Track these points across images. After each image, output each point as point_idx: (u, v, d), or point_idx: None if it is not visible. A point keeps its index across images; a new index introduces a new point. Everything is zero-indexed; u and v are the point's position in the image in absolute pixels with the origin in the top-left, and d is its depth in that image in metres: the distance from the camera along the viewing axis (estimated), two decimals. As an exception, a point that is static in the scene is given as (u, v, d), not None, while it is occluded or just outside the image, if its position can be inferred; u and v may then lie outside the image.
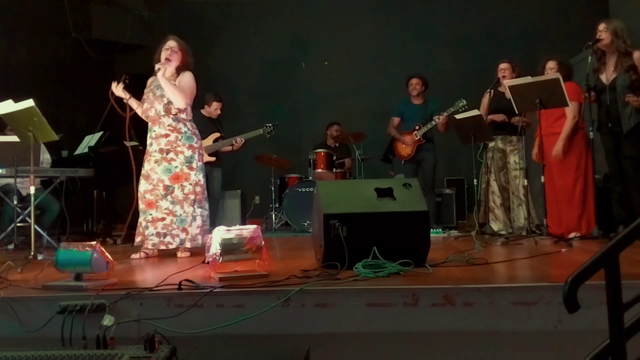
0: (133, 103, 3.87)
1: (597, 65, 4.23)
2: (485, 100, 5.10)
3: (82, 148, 5.76)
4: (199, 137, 3.88)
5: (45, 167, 5.05)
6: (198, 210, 3.76)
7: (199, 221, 3.76)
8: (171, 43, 3.82)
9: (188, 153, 3.73)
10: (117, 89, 3.82)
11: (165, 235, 3.66)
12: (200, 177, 3.80)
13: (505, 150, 4.99)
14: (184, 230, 3.68)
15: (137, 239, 3.73)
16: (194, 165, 3.75)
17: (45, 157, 5.21)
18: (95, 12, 7.67)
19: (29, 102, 3.70)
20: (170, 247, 3.68)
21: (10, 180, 4.44)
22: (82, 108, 7.09)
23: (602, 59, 4.20)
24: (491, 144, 5.06)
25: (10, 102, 3.77)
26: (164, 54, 3.77)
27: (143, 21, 7.82)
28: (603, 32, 4.10)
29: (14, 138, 4.06)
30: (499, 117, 4.95)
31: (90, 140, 5.69)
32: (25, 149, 3.82)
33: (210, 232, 2.77)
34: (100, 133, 5.62)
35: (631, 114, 4.03)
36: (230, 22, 8.38)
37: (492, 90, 5.07)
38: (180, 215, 3.68)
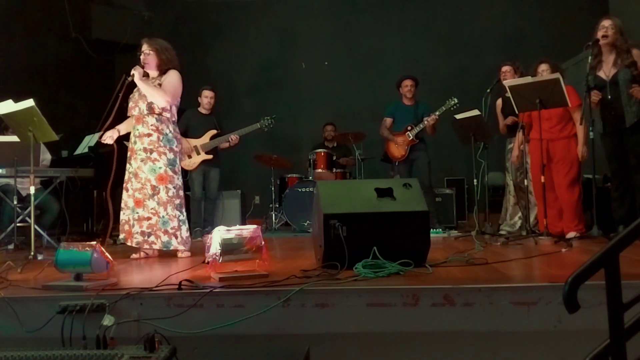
0: (129, 128, 3.93)
1: (594, 62, 4.22)
2: (499, 106, 5.14)
3: (82, 148, 5.75)
4: (179, 141, 3.87)
5: (46, 167, 5.05)
6: (185, 214, 3.80)
7: (187, 224, 3.81)
8: (143, 47, 3.83)
9: (170, 156, 3.73)
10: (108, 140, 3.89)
11: (149, 234, 3.66)
12: (181, 182, 3.82)
13: (523, 151, 4.99)
14: (166, 232, 3.66)
15: (121, 236, 3.75)
16: (176, 168, 3.76)
17: (46, 157, 5.21)
18: (95, 12, 7.68)
19: (29, 102, 3.71)
20: (154, 247, 3.67)
21: (10, 180, 4.44)
22: (82, 108, 7.09)
23: (598, 57, 4.20)
24: (509, 146, 5.09)
25: (10, 102, 3.77)
26: (141, 59, 3.79)
27: (143, 21, 7.82)
28: (609, 28, 4.09)
29: (14, 138, 4.06)
30: (510, 120, 4.99)
31: (90, 140, 5.68)
32: (25, 149, 3.82)
33: (210, 232, 2.76)
34: (100, 133, 5.60)
35: (632, 105, 4.02)
36: (230, 22, 8.39)
37: (501, 99, 5.10)
38: (163, 217, 3.66)
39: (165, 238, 3.66)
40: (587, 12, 7.33)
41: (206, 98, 5.80)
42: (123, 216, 3.74)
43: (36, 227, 3.86)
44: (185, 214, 3.80)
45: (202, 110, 5.83)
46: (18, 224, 4.41)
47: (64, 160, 5.71)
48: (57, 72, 6.99)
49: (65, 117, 6.64)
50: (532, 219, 4.78)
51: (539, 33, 7.66)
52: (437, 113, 5.55)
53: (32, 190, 3.82)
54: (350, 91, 8.06)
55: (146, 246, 3.68)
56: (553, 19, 7.72)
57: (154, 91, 3.69)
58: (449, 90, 6.33)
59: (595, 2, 7.30)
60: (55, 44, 7.05)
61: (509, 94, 4.36)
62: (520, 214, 5.00)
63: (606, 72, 4.16)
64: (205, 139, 5.69)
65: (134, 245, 3.69)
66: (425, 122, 5.58)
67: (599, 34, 4.12)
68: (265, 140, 7.28)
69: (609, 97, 4.11)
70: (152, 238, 3.65)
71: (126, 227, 3.71)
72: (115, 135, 3.90)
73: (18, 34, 6.37)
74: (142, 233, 3.66)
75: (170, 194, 3.69)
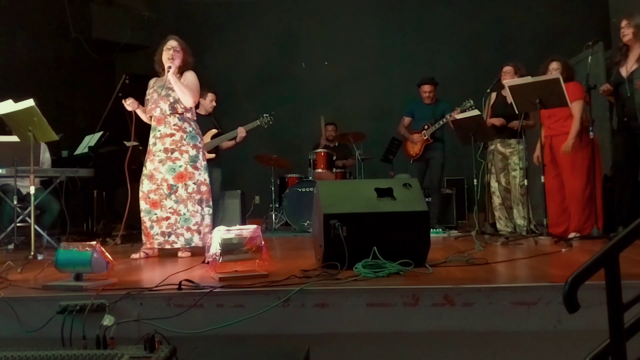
0: (140, 113, 3.89)
1: (620, 58, 4.25)
2: (489, 102, 5.11)
3: (82, 148, 5.76)
4: (202, 136, 3.92)
5: (46, 167, 5.05)
6: (206, 209, 3.80)
7: (207, 220, 3.80)
8: (172, 43, 3.83)
9: (193, 152, 3.76)
10: (128, 104, 3.85)
11: (169, 234, 3.68)
12: (206, 177, 3.84)
13: (504, 153, 4.99)
14: (189, 229, 3.69)
15: (144, 239, 3.76)
16: (198, 164, 3.78)
17: (46, 156, 5.20)
18: (95, 12, 7.69)
19: (29, 102, 3.70)
20: (175, 246, 3.69)
21: (10, 180, 4.44)
22: (82, 108, 7.10)
23: (626, 54, 4.22)
24: (491, 147, 5.07)
25: (10, 102, 3.77)
26: (166, 54, 3.78)
27: (143, 21, 7.82)
28: (625, 28, 4.14)
29: (14, 138, 4.06)
30: (498, 121, 4.96)
31: (90, 140, 5.69)
32: (25, 149, 3.82)
33: (210, 232, 2.77)
34: (100, 133, 5.62)
35: None
36: (230, 22, 8.39)
37: (495, 94, 5.08)
38: (185, 214, 3.69)
39: (188, 235, 3.69)
40: (587, 12, 7.34)
41: (211, 102, 5.81)
42: (144, 219, 3.75)
43: (36, 227, 3.86)
44: (207, 209, 3.80)
45: (201, 111, 5.82)
46: (18, 224, 4.40)
47: (64, 160, 5.71)
48: (57, 72, 6.99)
49: (65, 117, 6.64)
50: (519, 219, 4.78)
51: (540, 33, 7.65)
52: (452, 114, 5.53)
53: (32, 190, 3.82)
54: (350, 91, 8.06)
55: (167, 246, 3.70)
56: (553, 18, 7.71)
57: (186, 89, 3.73)
58: (448, 90, 6.35)
59: (596, 2, 7.30)
60: (55, 44, 7.05)
61: (504, 93, 4.35)
62: (506, 214, 5.00)
63: (627, 68, 4.17)
64: (207, 138, 5.69)
65: (155, 246, 3.71)
66: (442, 122, 5.59)
67: (621, 34, 4.15)
68: (266, 140, 7.28)
69: (628, 94, 4.11)
70: (172, 237, 3.68)
71: (146, 230, 3.73)
72: (136, 106, 3.84)
73: (18, 34, 6.37)
74: (162, 234, 3.68)
75: (190, 190, 3.71)
